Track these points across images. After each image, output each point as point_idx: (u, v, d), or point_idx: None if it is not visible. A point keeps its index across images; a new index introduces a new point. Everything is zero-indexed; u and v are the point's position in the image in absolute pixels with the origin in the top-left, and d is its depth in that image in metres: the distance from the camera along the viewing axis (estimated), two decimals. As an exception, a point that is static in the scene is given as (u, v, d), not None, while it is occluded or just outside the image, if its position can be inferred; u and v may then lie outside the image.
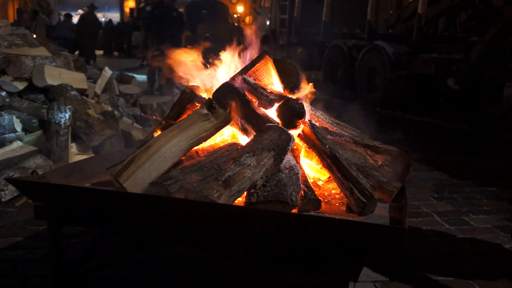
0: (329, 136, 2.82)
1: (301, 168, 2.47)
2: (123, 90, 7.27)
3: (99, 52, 19.61)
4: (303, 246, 2.03)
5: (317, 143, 2.50)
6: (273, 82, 2.98)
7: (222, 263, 3.10)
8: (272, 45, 13.88)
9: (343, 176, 2.30)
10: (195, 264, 3.10)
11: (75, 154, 4.73)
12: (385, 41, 9.94)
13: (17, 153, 4.35)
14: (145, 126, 6.16)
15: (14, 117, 4.61)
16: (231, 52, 3.09)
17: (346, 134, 3.02)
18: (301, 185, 2.30)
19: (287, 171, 2.31)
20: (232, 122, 2.63)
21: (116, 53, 23.58)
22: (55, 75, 5.19)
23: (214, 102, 2.55)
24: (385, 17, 12.84)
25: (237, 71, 2.93)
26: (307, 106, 2.85)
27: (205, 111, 2.50)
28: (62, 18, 16.30)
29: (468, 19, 10.45)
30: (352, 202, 2.21)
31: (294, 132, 2.57)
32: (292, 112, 2.59)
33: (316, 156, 2.55)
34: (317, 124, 3.03)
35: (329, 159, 2.41)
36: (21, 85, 5.06)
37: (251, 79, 2.82)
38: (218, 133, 2.63)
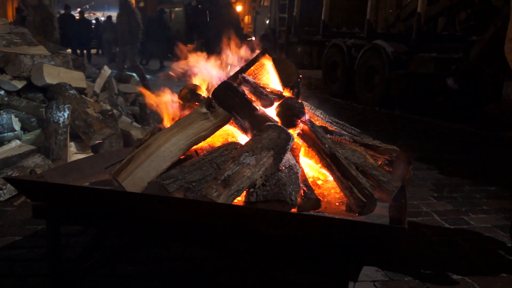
0: (328, 135, 2.81)
1: (300, 168, 2.46)
2: (122, 89, 7.26)
3: (93, 51, 19.77)
4: (303, 245, 2.03)
5: (317, 142, 2.49)
6: (273, 81, 2.97)
7: (221, 262, 3.09)
8: (271, 44, 13.90)
9: (343, 175, 2.29)
10: (194, 263, 3.09)
11: (74, 153, 4.72)
12: (384, 40, 9.94)
13: (16, 152, 4.34)
14: (144, 125, 6.15)
15: (13, 116, 4.60)
16: (230, 51, 3.09)
17: (345, 133, 3.01)
18: (301, 185, 2.29)
19: (286, 170, 2.30)
20: (231, 121, 2.62)
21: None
22: (54, 74, 5.18)
23: (213, 101, 2.54)
24: (385, 16, 12.85)
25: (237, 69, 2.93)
26: (306, 105, 2.84)
27: (204, 110, 2.49)
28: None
29: (467, 19, 10.46)
30: (352, 201, 2.20)
31: (293, 132, 2.56)
32: (291, 111, 2.58)
33: (316, 156, 2.54)
34: (316, 123, 3.03)
35: (329, 158, 2.40)
36: (19, 84, 5.05)
37: (250, 78, 2.81)
38: (217, 132, 2.62)
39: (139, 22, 10.72)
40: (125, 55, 10.86)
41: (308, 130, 2.56)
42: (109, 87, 6.68)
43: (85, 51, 18.40)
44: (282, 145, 2.33)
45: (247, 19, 29.55)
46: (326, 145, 2.42)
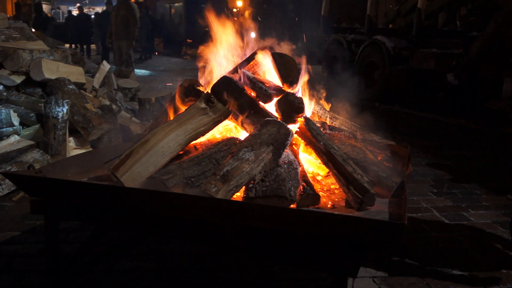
0: (327, 131, 2.80)
1: (300, 163, 2.45)
2: (121, 84, 7.24)
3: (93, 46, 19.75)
4: (302, 241, 2.02)
5: (312, 140, 2.48)
6: (272, 76, 2.96)
7: (220, 258, 3.08)
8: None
9: (339, 172, 2.28)
10: (192, 259, 3.08)
11: (73, 149, 4.71)
12: (384, 36, 9.91)
13: (15, 147, 4.33)
14: (143, 120, 6.14)
15: (12, 111, 4.58)
16: (230, 46, 3.07)
17: (345, 128, 2.99)
18: (300, 180, 2.28)
19: (286, 166, 2.29)
20: (230, 116, 2.61)
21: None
22: (53, 68, 5.16)
23: (212, 96, 2.52)
24: (385, 11, 12.81)
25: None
26: (306, 101, 2.83)
27: (203, 105, 2.48)
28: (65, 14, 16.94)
29: (468, 14, 10.44)
30: (350, 197, 2.19)
31: (293, 127, 2.55)
32: (291, 107, 2.57)
33: (314, 152, 2.53)
34: (316, 119, 3.02)
35: (325, 156, 2.39)
36: (18, 79, 5.02)
37: (250, 73, 2.80)
38: (216, 127, 2.60)
39: (137, 19, 10.72)
40: (121, 50, 10.87)
41: (304, 127, 2.54)
42: (108, 82, 6.66)
43: (84, 46, 18.38)
44: (282, 140, 2.31)
45: (247, 14, 29.44)
46: (321, 143, 2.41)
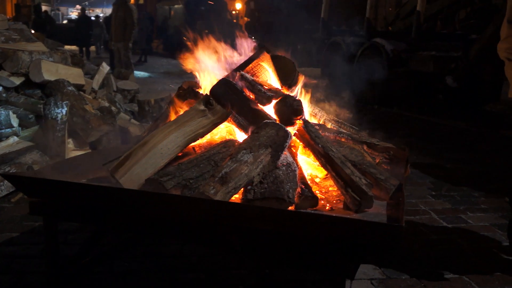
0: (326, 134, 2.80)
1: (298, 165, 2.46)
2: (120, 86, 7.25)
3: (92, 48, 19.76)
4: (300, 243, 2.02)
5: (311, 142, 2.48)
6: (271, 78, 2.97)
7: (219, 259, 3.09)
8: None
9: (337, 174, 2.29)
10: (192, 260, 3.09)
11: (72, 150, 4.72)
12: (384, 39, 9.93)
13: (14, 148, 4.34)
14: (142, 122, 6.15)
15: (11, 112, 4.59)
16: (229, 48, 3.08)
17: (344, 131, 3.00)
18: (298, 182, 2.29)
19: (284, 168, 2.29)
20: (229, 118, 2.61)
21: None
22: (52, 70, 5.17)
23: (211, 98, 2.53)
24: (384, 14, 12.82)
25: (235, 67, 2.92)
26: (305, 103, 2.84)
27: (202, 107, 2.49)
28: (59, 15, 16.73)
29: (467, 17, 10.45)
30: (348, 200, 2.20)
31: (291, 129, 2.56)
32: (289, 109, 2.57)
33: (312, 154, 2.54)
34: (315, 121, 3.02)
35: (323, 158, 2.40)
36: (18, 80, 5.03)
37: (248, 75, 2.81)
38: (215, 129, 2.61)
39: (134, 21, 10.72)
40: (120, 51, 10.86)
41: (302, 130, 2.55)
42: (108, 84, 6.67)
43: (84, 48, 18.40)
44: (280, 142, 2.32)
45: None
46: (320, 145, 2.41)
